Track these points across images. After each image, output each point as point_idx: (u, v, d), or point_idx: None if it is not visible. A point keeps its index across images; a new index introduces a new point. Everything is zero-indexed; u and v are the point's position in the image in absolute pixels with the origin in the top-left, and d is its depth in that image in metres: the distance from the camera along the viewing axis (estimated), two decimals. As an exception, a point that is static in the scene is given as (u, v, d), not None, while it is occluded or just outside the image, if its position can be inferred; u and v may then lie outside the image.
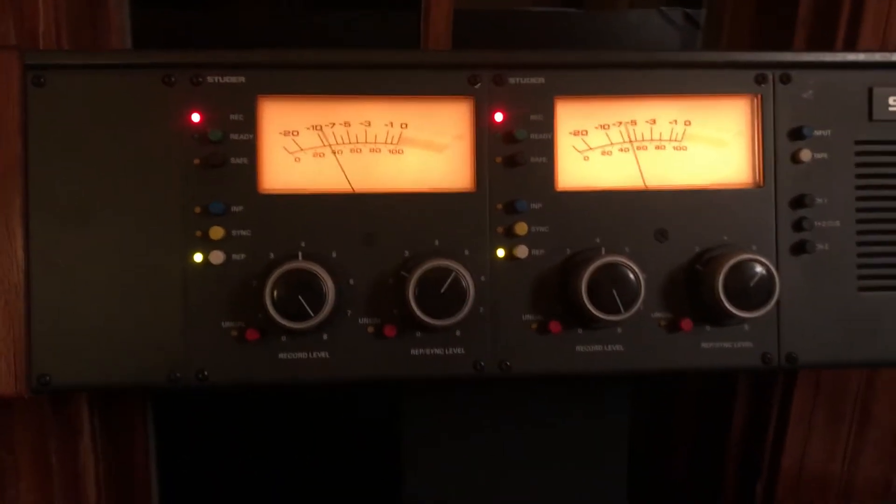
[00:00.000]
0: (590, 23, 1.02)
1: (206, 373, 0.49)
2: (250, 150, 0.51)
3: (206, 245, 0.50)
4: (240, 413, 0.81)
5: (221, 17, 0.80)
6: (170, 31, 0.72)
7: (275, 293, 0.48)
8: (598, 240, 0.52)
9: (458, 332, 0.51)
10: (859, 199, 0.54)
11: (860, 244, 0.54)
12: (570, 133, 0.53)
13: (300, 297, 0.47)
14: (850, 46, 0.66)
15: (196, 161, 0.50)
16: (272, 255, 0.50)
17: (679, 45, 0.93)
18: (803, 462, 0.75)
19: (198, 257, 0.50)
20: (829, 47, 0.66)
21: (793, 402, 0.74)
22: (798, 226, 0.53)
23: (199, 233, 0.50)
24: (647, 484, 0.80)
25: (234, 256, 0.50)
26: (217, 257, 0.50)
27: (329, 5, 0.85)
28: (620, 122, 0.53)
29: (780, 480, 0.76)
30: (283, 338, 0.50)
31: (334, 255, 0.50)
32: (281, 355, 0.50)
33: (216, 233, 0.50)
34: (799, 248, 0.53)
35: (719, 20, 0.77)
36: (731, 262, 0.50)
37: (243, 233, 0.50)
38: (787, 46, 0.70)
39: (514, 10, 1.01)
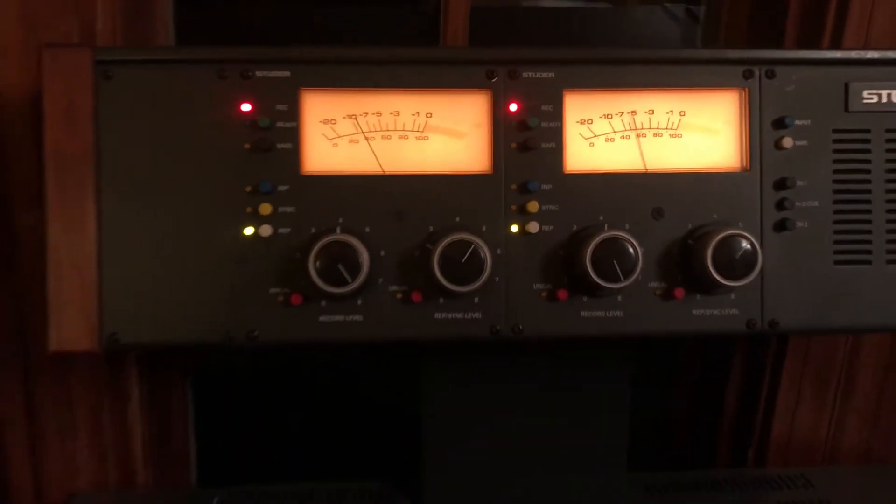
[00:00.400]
0: (598, 18, 1.07)
1: (256, 333, 0.55)
2: (294, 136, 0.56)
3: (256, 220, 0.56)
4: (269, 390, 0.88)
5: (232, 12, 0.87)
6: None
7: (317, 262, 0.54)
8: (601, 217, 0.58)
9: (476, 299, 0.57)
10: (836, 181, 0.59)
11: (836, 222, 0.59)
12: (577, 122, 0.59)
13: (339, 266, 0.53)
14: (836, 43, 0.71)
15: (247, 146, 0.56)
16: (314, 230, 0.56)
17: (680, 39, 0.99)
18: (792, 429, 0.81)
19: (248, 231, 0.55)
20: (818, 44, 0.72)
21: (783, 373, 0.80)
22: (780, 205, 0.59)
23: (249, 209, 0.56)
24: (648, 452, 0.87)
25: (281, 230, 0.56)
26: (266, 230, 0.55)
27: (330, 2, 0.90)
28: (622, 112, 0.59)
29: (771, 446, 0.82)
30: (323, 302, 0.56)
31: (368, 229, 0.56)
32: (321, 318, 0.56)
33: (265, 209, 0.55)
34: (781, 226, 0.59)
35: (717, 17, 0.83)
36: (719, 237, 0.55)
37: (288, 209, 0.56)
38: (779, 43, 0.75)
39: (526, 7, 1.06)
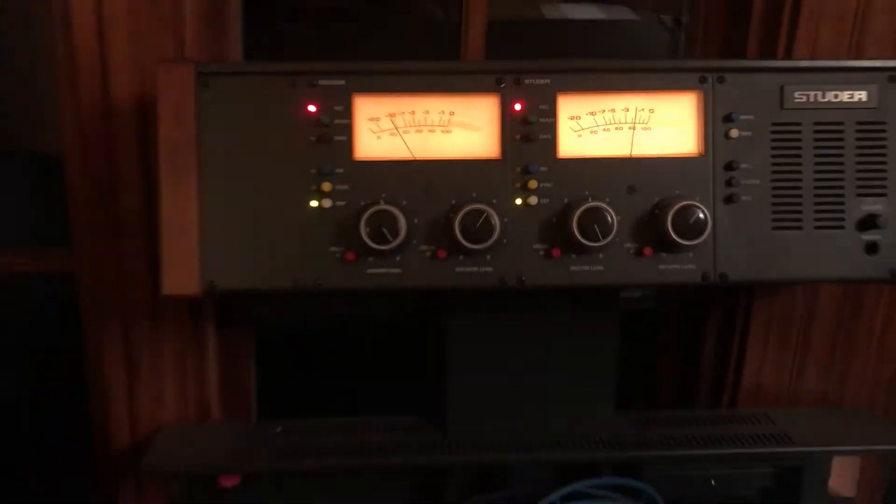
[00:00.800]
0: (602, 28, 1.23)
1: (319, 282, 0.70)
2: (348, 130, 0.70)
3: (320, 195, 0.69)
4: (317, 342, 1.05)
5: (286, 30, 1.04)
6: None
7: (366, 227, 0.67)
8: (586, 192, 0.70)
9: (488, 256, 0.70)
10: (773, 164, 0.71)
11: (774, 196, 0.71)
12: (568, 118, 0.71)
13: (383, 230, 0.67)
14: (790, 51, 0.84)
15: (312, 138, 0.69)
16: (363, 202, 0.69)
17: (670, 45, 1.14)
18: (759, 377, 0.94)
19: (314, 203, 0.69)
20: (774, 53, 0.85)
21: (750, 331, 0.92)
22: (729, 183, 0.71)
23: (314, 187, 0.69)
24: (638, 398, 1.02)
25: (338, 203, 0.69)
26: (327, 203, 0.69)
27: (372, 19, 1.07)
28: (604, 110, 0.71)
29: (742, 392, 0.94)
30: (370, 258, 0.69)
31: (404, 202, 0.70)
32: (369, 270, 0.70)
33: (326, 187, 0.69)
34: (729, 199, 0.71)
35: (696, 28, 0.98)
36: (677, 207, 0.68)
37: (344, 187, 0.69)
38: (745, 51, 0.89)
39: (538, 20, 1.23)
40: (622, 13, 1.32)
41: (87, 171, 0.84)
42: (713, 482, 0.89)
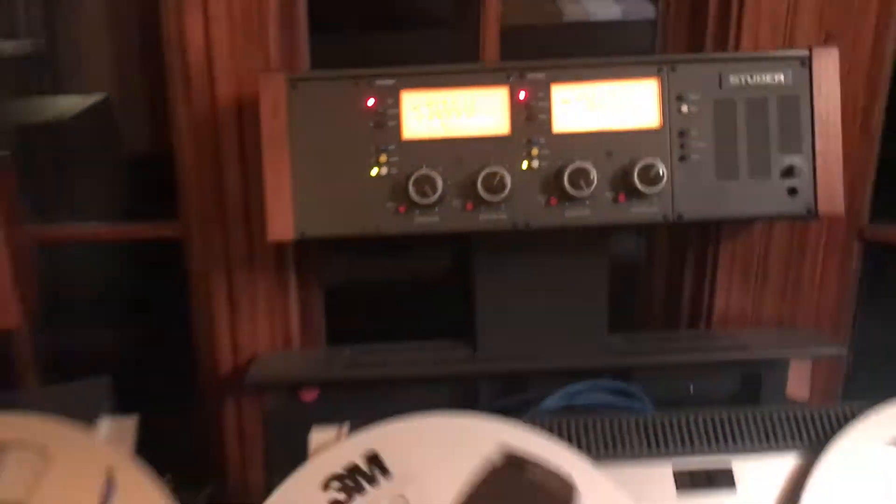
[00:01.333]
0: (591, 28, 1.48)
1: (380, 227, 0.95)
2: (397, 118, 0.91)
3: (378, 165, 0.91)
4: (370, 285, 1.33)
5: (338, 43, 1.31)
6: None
7: (413, 187, 0.90)
8: (574, 157, 0.90)
9: (503, 206, 0.91)
10: (715, 131, 0.92)
11: (716, 154, 0.92)
12: (560, 102, 0.92)
13: (426, 188, 0.89)
14: (738, 44, 1.07)
15: (371, 124, 0.92)
16: (409, 170, 0.90)
17: (650, 39, 1.39)
18: (727, 306, 1.16)
19: (374, 171, 0.91)
20: (726, 46, 1.09)
21: (718, 268, 1.14)
22: (682, 146, 0.91)
23: (374, 159, 0.91)
24: (630, 325, 1.26)
25: (392, 171, 0.91)
26: (384, 171, 0.91)
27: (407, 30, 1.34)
28: (587, 95, 0.92)
29: (714, 318, 1.17)
30: (417, 210, 0.91)
31: (440, 168, 0.90)
32: (416, 220, 0.92)
33: (383, 159, 0.91)
34: (682, 158, 0.91)
35: (668, 24, 1.21)
36: (641, 163, 0.90)
37: (395, 159, 0.91)
38: (704, 43, 1.13)
39: (548, 24, 1.48)
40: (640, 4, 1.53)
41: (196, 157, 1.12)
42: (691, 388, 1.13)
